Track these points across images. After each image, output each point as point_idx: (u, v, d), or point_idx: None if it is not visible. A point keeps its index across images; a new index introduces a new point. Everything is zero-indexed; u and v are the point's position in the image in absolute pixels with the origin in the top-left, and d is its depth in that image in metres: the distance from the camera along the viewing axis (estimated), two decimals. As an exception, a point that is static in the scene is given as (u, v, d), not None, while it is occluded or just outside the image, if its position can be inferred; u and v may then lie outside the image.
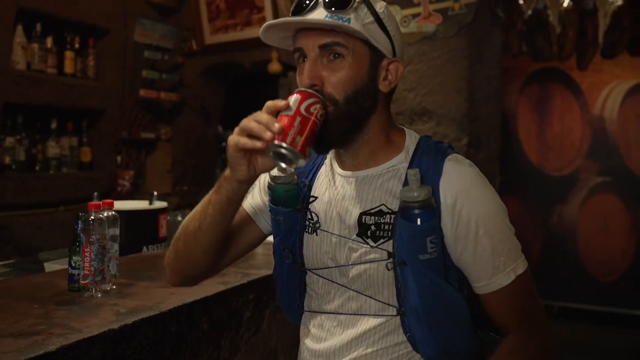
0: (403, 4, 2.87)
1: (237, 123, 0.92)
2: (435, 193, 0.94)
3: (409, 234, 0.91)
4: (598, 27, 3.42)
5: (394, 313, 0.97)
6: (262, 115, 0.89)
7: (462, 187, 0.96)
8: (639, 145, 4.44)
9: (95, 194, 2.15)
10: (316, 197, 1.06)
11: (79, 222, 1.46)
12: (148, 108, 3.82)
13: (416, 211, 0.91)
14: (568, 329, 4.33)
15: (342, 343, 1.01)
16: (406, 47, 2.84)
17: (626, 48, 3.46)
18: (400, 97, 2.83)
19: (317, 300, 1.06)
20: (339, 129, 0.95)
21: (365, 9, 0.95)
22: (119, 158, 3.71)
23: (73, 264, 1.47)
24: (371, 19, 0.96)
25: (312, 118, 0.90)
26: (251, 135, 0.88)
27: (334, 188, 1.04)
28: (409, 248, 0.92)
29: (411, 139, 1.04)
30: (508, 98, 4.74)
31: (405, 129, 1.06)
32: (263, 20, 3.39)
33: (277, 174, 1.02)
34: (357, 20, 0.93)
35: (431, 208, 0.92)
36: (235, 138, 0.89)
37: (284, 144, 0.87)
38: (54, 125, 3.25)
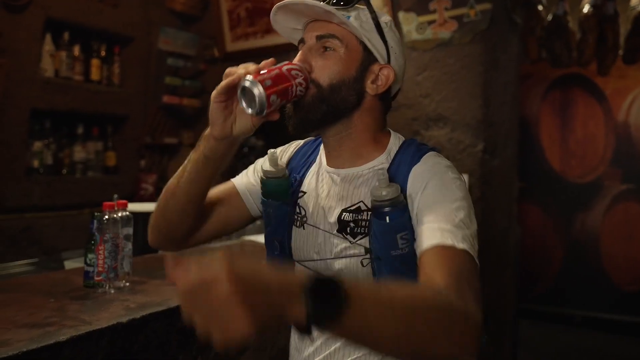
0: (419, 11, 2.90)
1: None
2: (404, 179, 0.97)
3: (380, 231, 0.95)
4: (619, 32, 3.37)
5: None
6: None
7: (432, 170, 0.98)
8: (665, 152, 4.37)
9: (115, 196, 2.21)
10: (305, 192, 1.10)
11: (94, 221, 1.52)
12: (171, 114, 3.91)
13: (386, 209, 0.94)
14: (591, 338, 4.26)
15: (328, 340, 1.03)
16: (422, 54, 2.86)
17: (648, 54, 3.40)
18: (416, 103, 2.84)
19: None
20: (318, 112, 1.00)
21: (368, 14, 1.01)
22: (142, 162, 3.80)
23: (88, 262, 1.52)
24: (371, 23, 1.01)
25: (290, 79, 0.95)
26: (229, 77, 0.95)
27: (321, 184, 1.09)
28: (381, 244, 0.95)
29: (395, 141, 1.07)
30: (530, 104, 4.71)
31: (392, 132, 1.09)
32: (282, 28, 3.45)
33: (269, 169, 1.07)
34: (356, 19, 1.00)
35: (400, 205, 0.95)
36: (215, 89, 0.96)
37: (250, 77, 0.92)
38: (80, 131, 3.36)
